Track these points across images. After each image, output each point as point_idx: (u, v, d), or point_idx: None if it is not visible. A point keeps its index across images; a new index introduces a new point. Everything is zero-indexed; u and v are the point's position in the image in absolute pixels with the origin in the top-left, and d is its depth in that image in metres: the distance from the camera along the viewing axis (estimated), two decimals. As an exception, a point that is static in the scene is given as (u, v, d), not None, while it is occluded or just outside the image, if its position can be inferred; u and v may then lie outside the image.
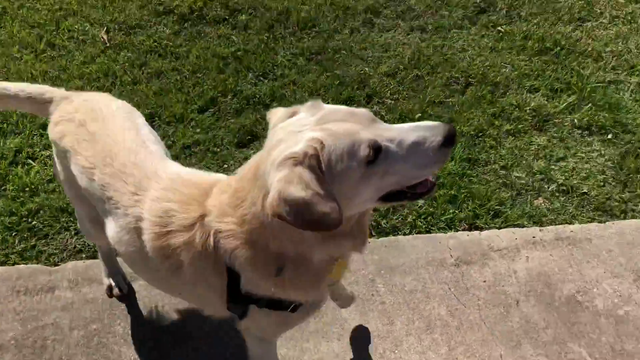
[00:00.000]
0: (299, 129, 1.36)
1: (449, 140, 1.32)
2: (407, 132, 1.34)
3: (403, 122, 3.32)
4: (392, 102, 3.53)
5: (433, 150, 1.32)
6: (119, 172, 1.73)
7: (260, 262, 1.48)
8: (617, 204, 3.00)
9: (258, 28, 4.06)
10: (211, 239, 1.52)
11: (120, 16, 4.10)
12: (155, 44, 3.90)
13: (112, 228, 1.79)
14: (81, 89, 3.49)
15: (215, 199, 1.55)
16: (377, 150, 1.30)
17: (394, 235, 2.82)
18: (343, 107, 1.41)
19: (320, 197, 1.25)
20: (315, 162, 1.28)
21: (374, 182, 1.34)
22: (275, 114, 1.51)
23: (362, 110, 1.39)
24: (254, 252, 1.47)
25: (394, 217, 2.90)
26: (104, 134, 1.81)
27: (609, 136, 3.35)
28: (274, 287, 1.52)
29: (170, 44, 3.91)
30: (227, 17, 4.16)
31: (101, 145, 1.78)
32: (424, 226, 2.88)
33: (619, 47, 3.98)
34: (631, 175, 3.13)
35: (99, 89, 3.50)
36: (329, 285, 1.69)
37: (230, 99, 3.51)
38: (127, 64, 3.73)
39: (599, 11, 4.31)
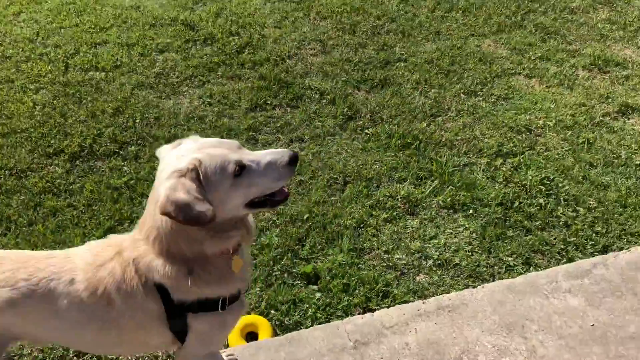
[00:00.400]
0: (183, 153, 1.81)
1: (293, 160, 1.86)
2: (263, 155, 1.86)
3: (294, 224, 3.65)
4: (282, 207, 3.87)
5: (282, 167, 1.86)
6: (44, 257, 1.96)
7: (172, 268, 1.81)
8: (485, 269, 3.45)
9: (148, 156, 4.33)
10: (131, 266, 1.85)
11: (9, 162, 4.21)
12: (48, 184, 4.03)
13: (50, 312, 1.90)
14: (-26, 237, 3.52)
15: (128, 240, 1.94)
16: (242, 167, 1.79)
17: (297, 330, 3.04)
18: (217, 139, 1.91)
19: (198, 200, 1.68)
20: (196, 175, 1.72)
21: (241, 190, 1.80)
22: (164, 148, 1.93)
23: (231, 140, 1.89)
24: (165, 261, 1.81)
25: (295, 314, 3.13)
26: (4, 256, 1.97)
27: (471, 211, 3.87)
28: (193, 285, 1.84)
29: (64, 182, 4.06)
30: (117, 150, 4.40)
31: (9, 262, 1.92)
32: (323, 317, 3.13)
33: (467, 135, 4.66)
34: (493, 243, 3.62)
35: (-7, 235, 3.56)
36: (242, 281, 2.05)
37: (127, 226, 3.67)
38: (20, 207, 3.81)
39: (446, 107, 5.04)
